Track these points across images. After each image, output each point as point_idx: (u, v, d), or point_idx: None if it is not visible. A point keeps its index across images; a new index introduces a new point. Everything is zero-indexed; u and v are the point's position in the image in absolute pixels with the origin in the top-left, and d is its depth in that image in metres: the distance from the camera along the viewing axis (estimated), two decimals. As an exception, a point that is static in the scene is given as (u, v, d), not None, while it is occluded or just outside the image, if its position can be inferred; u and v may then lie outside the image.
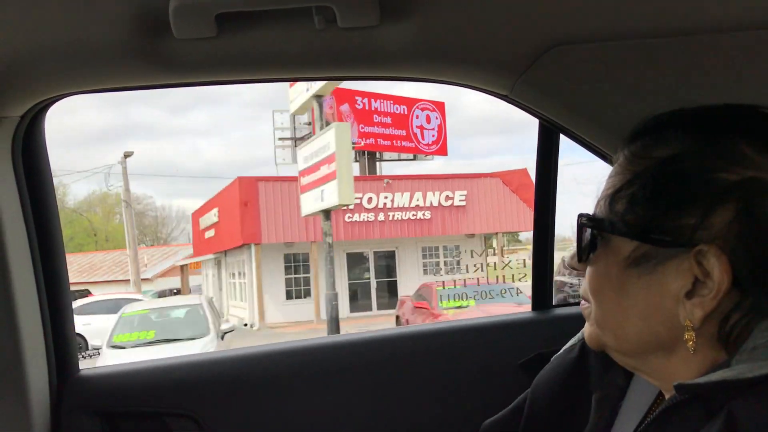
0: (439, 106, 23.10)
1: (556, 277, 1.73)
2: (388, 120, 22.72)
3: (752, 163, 0.63)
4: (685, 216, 0.63)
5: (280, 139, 22.27)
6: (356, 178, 17.66)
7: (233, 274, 21.58)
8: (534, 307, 1.63)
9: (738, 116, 0.68)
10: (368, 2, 0.84)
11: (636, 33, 0.93)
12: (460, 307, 11.51)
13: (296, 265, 19.36)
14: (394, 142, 22.62)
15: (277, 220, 18.02)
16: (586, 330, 0.76)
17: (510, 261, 12.74)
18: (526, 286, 9.30)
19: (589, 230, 0.71)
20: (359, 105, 21.49)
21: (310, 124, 22.10)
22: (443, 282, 13.42)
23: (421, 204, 18.94)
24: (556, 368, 0.94)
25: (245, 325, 18.77)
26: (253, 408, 1.37)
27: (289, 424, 1.38)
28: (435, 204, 18.99)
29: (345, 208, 14.58)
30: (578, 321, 0.79)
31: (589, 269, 0.73)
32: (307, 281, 18.98)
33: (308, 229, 17.93)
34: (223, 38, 0.91)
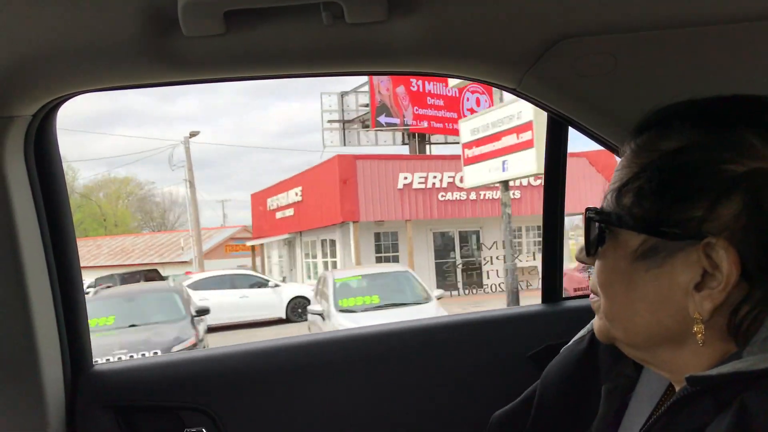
0: (489, 90, 23.27)
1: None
2: (441, 102, 22.78)
3: (759, 154, 0.63)
4: (693, 208, 0.63)
5: (329, 121, 22.22)
6: (452, 157, 17.83)
7: (309, 254, 21.55)
8: (544, 300, 1.63)
9: (745, 107, 0.68)
10: None
11: (643, 25, 0.93)
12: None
13: (386, 243, 19.43)
14: (446, 124, 22.70)
15: (374, 198, 18.06)
16: (596, 323, 0.76)
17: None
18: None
19: (596, 224, 0.71)
20: (414, 87, 21.56)
21: (367, 105, 22.14)
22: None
23: (511, 183, 19.13)
24: (565, 360, 0.94)
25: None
26: (266, 402, 1.38)
27: (301, 418, 1.39)
28: (524, 183, 19.23)
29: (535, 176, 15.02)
30: (588, 313, 0.79)
31: (597, 263, 0.72)
32: (396, 259, 19.05)
33: (403, 207, 18.02)
34: (231, 35, 0.92)
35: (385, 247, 19.37)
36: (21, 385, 1.17)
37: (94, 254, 34.58)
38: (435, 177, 18.56)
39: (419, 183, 18.45)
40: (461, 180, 18.73)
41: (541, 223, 1.65)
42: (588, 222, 0.72)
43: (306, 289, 15.98)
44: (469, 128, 13.64)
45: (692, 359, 0.66)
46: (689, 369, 0.65)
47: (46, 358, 1.19)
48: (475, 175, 13.51)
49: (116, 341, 7.27)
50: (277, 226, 22.69)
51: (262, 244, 25.72)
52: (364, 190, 17.94)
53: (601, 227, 0.70)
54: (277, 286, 16.98)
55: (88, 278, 23.72)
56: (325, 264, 20.09)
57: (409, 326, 1.55)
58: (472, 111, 24.20)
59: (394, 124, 22.37)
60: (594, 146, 1.31)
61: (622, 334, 0.71)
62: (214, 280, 15.94)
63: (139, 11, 0.88)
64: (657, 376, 0.76)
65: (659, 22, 0.92)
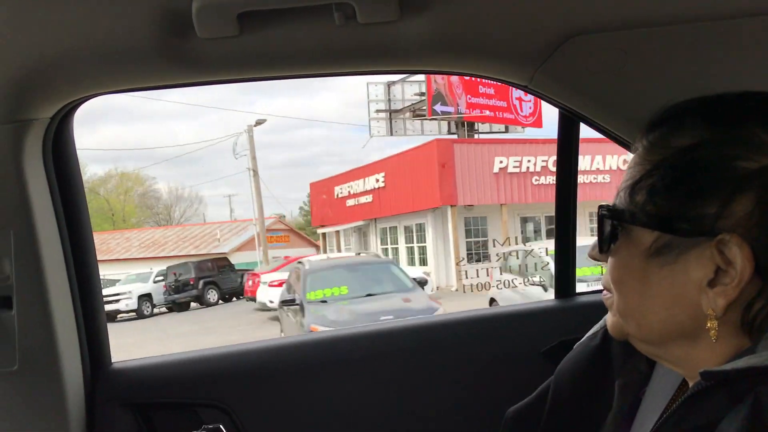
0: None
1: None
2: (491, 91, 22.75)
3: None
4: (706, 205, 0.63)
5: (376, 111, 22.07)
6: (545, 141, 17.78)
7: (386, 241, 21.30)
8: (557, 295, 1.63)
9: (756, 104, 0.67)
10: None
11: (654, 21, 0.93)
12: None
13: (475, 228, 19.29)
14: (497, 113, 22.72)
15: (471, 182, 17.91)
16: (609, 320, 0.76)
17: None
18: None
19: (609, 221, 0.71)
20: (467, 76, 21.57)
21: (423, 94, 21.99)
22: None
23: (601, 167, 19.13)
24: (578, 355, 0.94)
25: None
26: (281, 398, 1.40)
27: (316, 413, 1.41)
28: (614, 168, 19.26)
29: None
30: (601, 309, 0.80)
31: (610, 260, 0.73)
32: (485, 244, 18.94)
33: (498, 191, 17.91)
34: (245, 37, 0.93)
35: (474, 232, 19.24)
36: (41, 383, 1.19)
37: (124, 247, 33.84)
38: (529, 161, 18.47)
39: (514, 167, 18.35)
40: (554, 164, 18.63)
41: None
42: (601, 219, 0.72)
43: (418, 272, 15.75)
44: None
45: (705, 355, 0.66)
46: (702, 364, 0.65)
47: (66, 356, 1.21)
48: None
49: (361, 309, 7.20)
50: (348, 213, 22.39)
51: (324, 233, 25.42)
52: (461, 174, 17.78)
53: (614, 224, 0.71)
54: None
55: (122, 271, 23.29)
56: (409, 250, 19.87)
57: (425, 322, 1.59)
58: (520, 100, 24.21)
59: (449, 113, 22.23)
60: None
61: (635, 330, 0.71)
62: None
63: (154, 14, 0.89)
64: (670, 372, 0.76)
65: (670, 17, 0.92)
